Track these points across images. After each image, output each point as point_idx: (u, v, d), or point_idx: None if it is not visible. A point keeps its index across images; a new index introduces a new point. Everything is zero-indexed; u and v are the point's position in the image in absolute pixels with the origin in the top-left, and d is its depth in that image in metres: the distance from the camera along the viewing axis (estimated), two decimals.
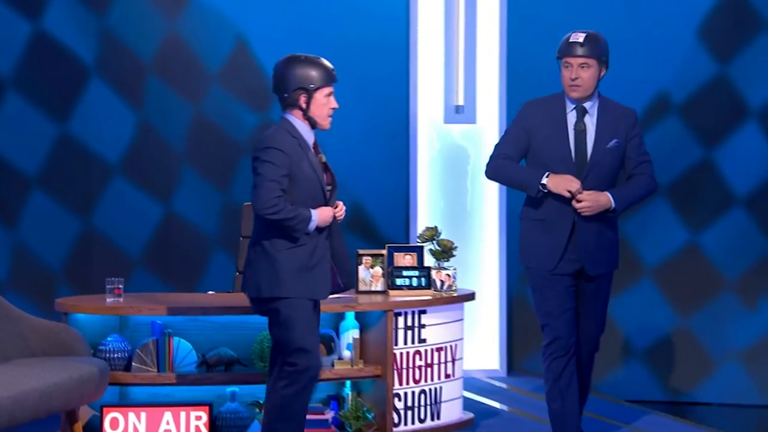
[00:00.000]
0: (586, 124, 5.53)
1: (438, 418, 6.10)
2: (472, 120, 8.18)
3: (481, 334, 8.11)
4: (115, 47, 8.22)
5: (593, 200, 5.41)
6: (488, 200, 8.22)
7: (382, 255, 6.30)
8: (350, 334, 5.99)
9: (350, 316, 6.01)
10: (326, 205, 5.09)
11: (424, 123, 8.18)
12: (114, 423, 5.72)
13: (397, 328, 5.95)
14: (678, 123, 8.25)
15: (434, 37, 8.16)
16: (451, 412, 6.19)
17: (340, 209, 5.11)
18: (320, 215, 5.01)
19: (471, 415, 6.37)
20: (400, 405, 5.95)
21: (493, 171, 5.64)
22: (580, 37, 5.49)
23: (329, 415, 5.82)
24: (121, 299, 5.92)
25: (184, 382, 5.75)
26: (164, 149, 8.34)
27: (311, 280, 5.02)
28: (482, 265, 8.16)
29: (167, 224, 8.37)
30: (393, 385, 5.91)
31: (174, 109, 8.33)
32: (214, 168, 8.39)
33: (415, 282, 6.22)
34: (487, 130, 8.20)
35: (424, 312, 6.06)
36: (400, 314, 5.97)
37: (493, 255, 8.17)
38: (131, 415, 5.72)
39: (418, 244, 6.39)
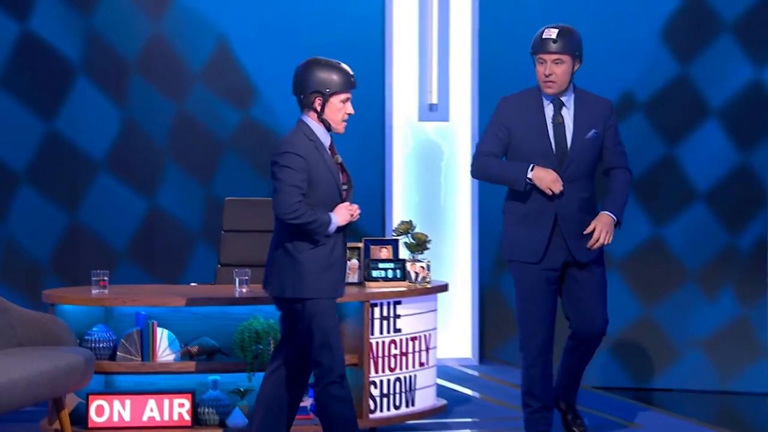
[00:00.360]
0: (563, 117, 5.45)
1: (412, 404, 6.10)
2: (445, 118, 8.19)
3: (454, 324, 8.13)
4: (100, 47, 8.19)
5: (603, 225, 5.38)
6: (461, 195, 8.23)
7: (358, 248, 6.29)
8: None
9: None
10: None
11: (400, 121, 8.19)
12: (99, 410, 5.71)
13: (373, 319, 5.94)
14: (642, 121, 8.27)
15: (409, 37, 8.17)
16: (425, 399, 6.18)
17: (355, 209, 5.06)
18: (339, 216, 4.97)
19: (444, 401, 6.38)
20: (375, 392, 5.95)
21: (478, 170, 5.57)
22: (553, 33, 5.42)
23: (308, 402, 5.81)
24: (106, 291, 5.91)
25: (168, 370, 5.75)
26: (148, 146, 8.32)
27: (331, 278, 5.01)
28: (455, 258, 8.17)
29: (151, 218, 8.35)
30: (369, 373, 5.91)
31: (157, 107, 8.31)
32: (196, 164, 8.36)
33: (390, 274, 6.22)
34: (460, 127, 8.21)
35: (399, 303, 6.05)
36: (376, 305, 5.96)
37: (465, 248, 8.18)
38: (116, 403, 5.71)
39: (394, 238, 6.39)
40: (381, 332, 5.97)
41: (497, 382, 7.54)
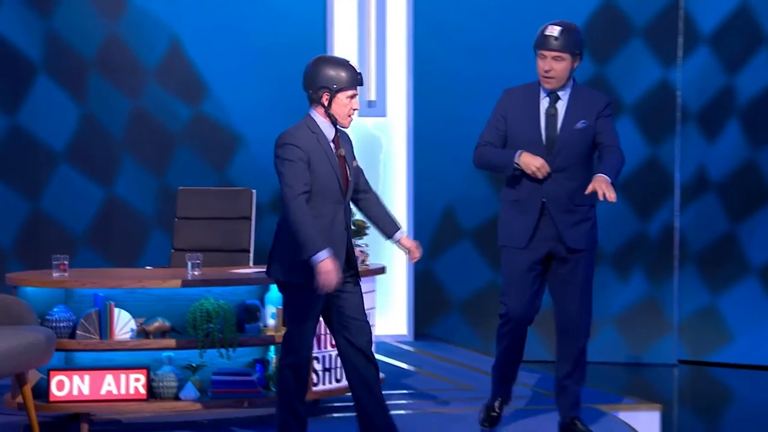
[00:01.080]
0: (557, 109, 5.28)
1: None
2: (383, 113, 8.21)
3: (391, 303, 8.15)
4: (59, 47, 8.13)
5: (600, 180, 5.11)
6: (398, 185, 8.26)
7: None
8: (275, 304, 5.92)
9: (274, 288, 5.90)
10: (343, 196, 4.94)
11: None
12: (60, 385, 5.67)
13: None
14: None
15: (348, 39, 8.17)
16: None
17: (417, 251, 5.14)
18: (325, 263, 4.77)
19: (382, 375, 6.35)
20: (318, 367, 5.93)
21: (477, 159, 5.46)
22: (555, 31, 5.24)
23: (255, 376, 5.83)
24: (66, 274, 5.86)
25: (124, 347, 5.70)
26: (106, 139, 8.28)
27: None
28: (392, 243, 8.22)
29: (109, 206, 8.31)
30: (312, 349, 5.92)
31: (114, 103, 8.26)
32: (151, 156, 8.33)
33: None
34: (396, 122, 8.25)
35: None
36: None
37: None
38: (76, 378, 5.67)
39: None
40: None
41: (431, 357, 7.60)
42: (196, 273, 5.89)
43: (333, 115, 4.91)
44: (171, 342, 5.77)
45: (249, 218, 6.84)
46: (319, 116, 4.94)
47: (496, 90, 8.59)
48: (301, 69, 8.21)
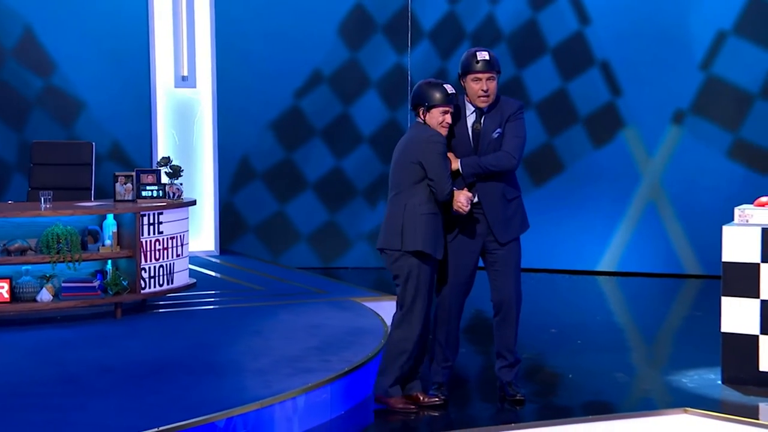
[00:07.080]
0: (481, 124, 4.44)
1: (172, 283, 6.04)
2: (193, 86, 8.14)
3: (202, 227, 8.13)
4: None
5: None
6: (206, 139, 8.20)
7: (132, 175, 6.21)
8: (110, 229, 5.86)
9: (110, 216, 5.84)
10: None
11: (161, 87, 8.08)
12: None
13: (143, 225, 5.86)
14: (327, 89, 8.54)
15: (166, 29, 8.03)
16: (181, 278, 6.13)
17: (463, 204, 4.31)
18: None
19: (194, 280, 6.36)
20: (145, 275, 5.87)
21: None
22: (486, 55, 4.43)
23: (96, 283, 5.75)
24: None
25: None
26: None
27: (438, 242, 4.28)
28: (202, 182, 8.18)
29: None
30: (141, 262, 5.83)
31: None
32: (11, 117, 7.96)
33: (155, 193, 6.11)
34: (203, 93, 8.18)
35: (161, 213, 5.97)
36: (145, 215, 5.87)
37: (209, 175, 8.20)
38: None
39: (157, 168, 6.35)
40: (149, 234, 5.89)
41: (232, 267, 7.59)
42: (48, 206, 5.75)
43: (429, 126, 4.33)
44: (29, 258, 5.63)
45: (90, 164, 6.75)
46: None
47: (280, 67, 8.69)
48: (131, 49, 8.14)
